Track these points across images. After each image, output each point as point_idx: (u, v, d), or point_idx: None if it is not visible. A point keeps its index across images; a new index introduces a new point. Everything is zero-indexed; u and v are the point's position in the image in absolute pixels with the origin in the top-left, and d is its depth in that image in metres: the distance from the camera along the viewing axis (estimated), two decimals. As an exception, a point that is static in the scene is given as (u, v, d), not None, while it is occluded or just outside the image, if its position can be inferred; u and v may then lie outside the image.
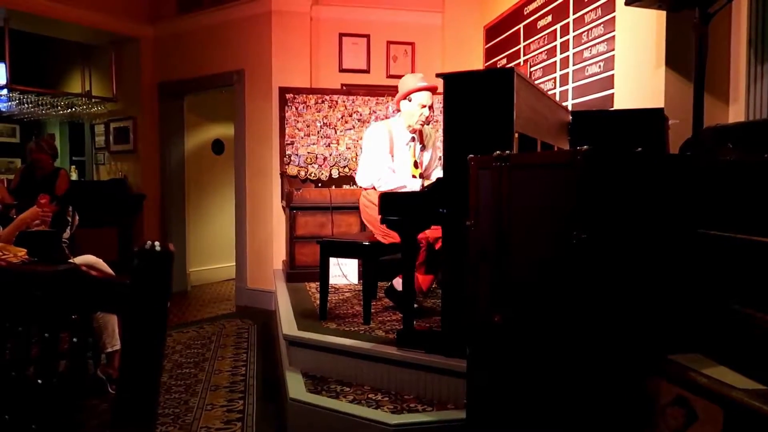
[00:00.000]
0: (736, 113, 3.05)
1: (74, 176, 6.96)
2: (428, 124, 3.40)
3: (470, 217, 2.02)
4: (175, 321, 4.96)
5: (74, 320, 0.85)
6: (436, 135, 3.64)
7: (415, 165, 3.44)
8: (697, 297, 1.67)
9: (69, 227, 3.70)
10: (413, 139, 3.45)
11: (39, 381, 0.85)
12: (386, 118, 3.57)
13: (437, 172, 3.62)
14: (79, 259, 3.05)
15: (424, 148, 3.51)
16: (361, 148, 3.57)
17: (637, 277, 1.61)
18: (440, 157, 3.03)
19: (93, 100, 6.50)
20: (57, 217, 3.42)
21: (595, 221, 1.54)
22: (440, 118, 5.20)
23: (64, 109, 6.52)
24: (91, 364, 3.02)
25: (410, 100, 3.38)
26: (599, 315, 1.55)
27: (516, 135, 2.27)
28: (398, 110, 3.50)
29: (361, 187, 3.48)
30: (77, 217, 3.79)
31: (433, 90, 3.40)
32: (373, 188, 3.40)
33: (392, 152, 3.40)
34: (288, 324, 3.19)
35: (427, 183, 3.35)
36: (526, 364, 1.76)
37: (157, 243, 0.74)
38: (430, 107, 3.39)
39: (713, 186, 1.69)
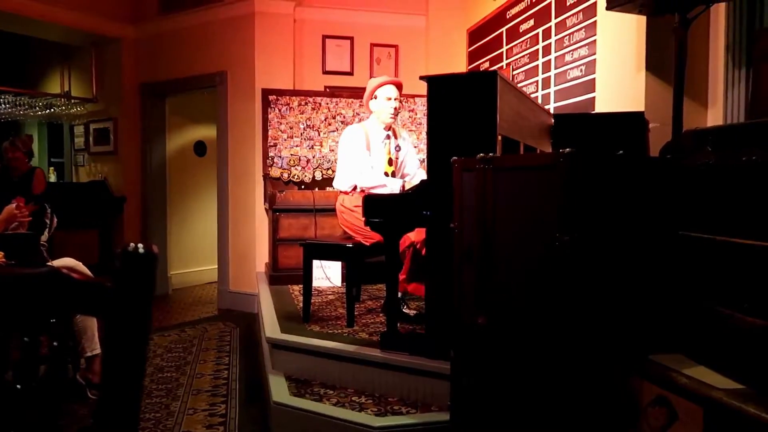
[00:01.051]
0: (714, 117, 3.10)
1: (53, 178, 6.84)
2: (396, 115, 3.46)
3: (454, 219, 2.03)
4: (157, 324, 4.90)
5: (54, 324, 0.83)
6: (410, 138, 3.70)
7: (390, 162, 3.46)
8: (678, 298, 1.70)
9: (47, 229, 3.64)
10: (388, 137, 3.50)
11: (18, 386, 0.84)
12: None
13: (420, 174, 3.64)
14: (58, 262, 3.00)
15: (400, 148, 3.54)
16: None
17: (620, 279, 1.63)
18: (423, 160, 3.04)
19: (72, 101, 6.41)
20: (35, 220, 3.37)
21: (578, 223, 1.56)
22: (424, 120, 5.24)
23: (43, 110, 6.43)
24: (70, 369, 2.98)
25: (376, 98, 3.49)
26: (582, 316, 1.56)
27: (499, 138, 2.28)
28: (370, 112, 3.56)
29: (339, 191, 3.50)
30: (56, 220, 3.74)
31: (396, 84, 3.50)
32: (353, 190, 3.42)
33: (369, 150, 3.45)
34: (271, 327, 3.17)
35: (408, 184, 3.38)
36: (511, 365, 1.77)
37: (140, 245, 0.73)
38: (397, 100, 3.47)
39: (693, 188, 1.72)
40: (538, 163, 1.73)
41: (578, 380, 1.58)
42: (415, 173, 3.64)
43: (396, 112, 3.46)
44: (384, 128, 3.51)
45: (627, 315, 1.64)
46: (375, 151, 3.46)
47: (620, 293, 1.64)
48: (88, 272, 2.82)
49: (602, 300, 1.60)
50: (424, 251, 3.10)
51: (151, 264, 0.77)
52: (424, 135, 5.25)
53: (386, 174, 3.46)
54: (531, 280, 1.68)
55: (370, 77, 5.47)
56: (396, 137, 3.57)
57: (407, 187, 3.31)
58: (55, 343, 0.84)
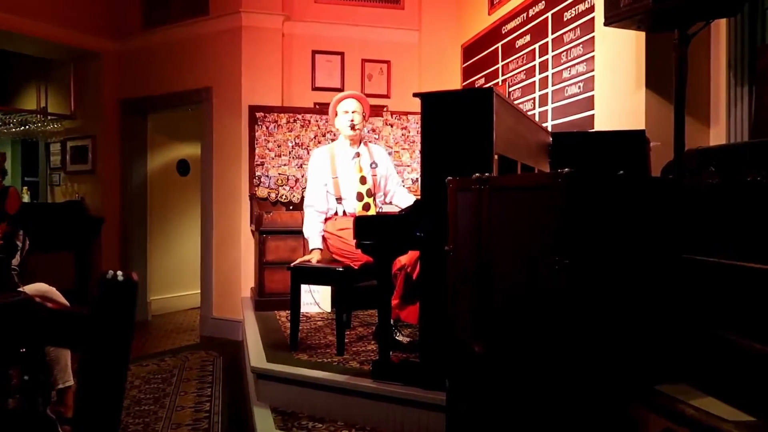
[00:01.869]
0: (717, 135, 3.14)
1: (26, 198, 6.80)
2: (355, 127, 3.48)
3: (449, 242, 2.02)
4: (134, 353, 4.84)
5: (26, 356, 0.82)
6: (386, 155, 3.72)
7: (362, 180, 3.47)
8: (683, 324, 1.70)
9: (19, 252, 3.60)
10: (358, 154, 3.51)
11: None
12: (361, 138, 3.63)
13: (400, 192, 3.67)
14: (31, 288, 2.96)
15: (376, 165, 3.55)
16: None
17: (622, 304, 1.63)
18: (417, 179, 3.05)
19: (49, 117, 6.40)
20: (6, 242, 3.33)
21: (577, 246, 1.56)
22: (417, 139, 5.27)
23: (17, 127, 6.41)
24: (40, 402, 2.92)
25: (337, 114, 3.56)
26: (583, 343, 1.56)
27: (496, 157, 2.29)
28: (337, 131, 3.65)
29: None
30: (28, 242, 3.69)
31: (355, 98, 3.57)
32: (335, 215, 3.48)
33: (335, 172, 3.46)
34: (256, 355, 3.14)
35: (390, 206, 3.44)
36: (509, 395, 1.76)
37: (119, 273, 0.72)
38: (357, 113, 3.50)
39: (697, 210, 1.73)
40: (536, 184, 1.73)
41: (580, 411, 1.57)
42: (395, 191, 3.67)
43: (353, 125, 3.48)
44: (351, 144, 3.53)
45: (630, 342, 1.63)
46: (344, 171, 3.48)
47: (623, 319, 1.63)
48: (63, 299, 2.79)
49: (604, 326, 1.59)
50: (416, 274, 3.10)
51: (131, 293, 0.76)
52: (417, 153, 5.28)
53: (359, 193, 3.45)
54: (530, 306, 1.67)
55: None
56: (371, 154, 3.58)
57: (372, 210, 3.43)
58: (26, 377, 0.82)
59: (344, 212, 3.44)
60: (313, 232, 3.44)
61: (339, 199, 3.45)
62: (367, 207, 3.44)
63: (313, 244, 3.42)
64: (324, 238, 3.46)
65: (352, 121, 3.48)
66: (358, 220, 2.70)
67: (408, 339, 3.23)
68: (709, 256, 1.65)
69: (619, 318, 1.62)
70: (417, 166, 5.24)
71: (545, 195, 1.61)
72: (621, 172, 1.67)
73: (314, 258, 3.34)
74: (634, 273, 1.66)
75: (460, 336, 1.93)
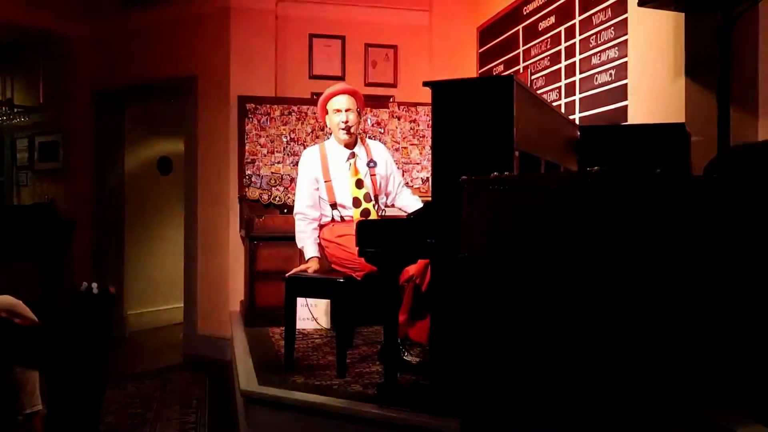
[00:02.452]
0: (767, 129, 3.12)
1: (-10, 200, 6.84)
2: (350, 130, 3.44)
3: (463, 249, 2.02)
4: (110, 375, 4.85)
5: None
6: (386, 152, 3.69)
7: (359, 184, 3.44)
8: (733, 342, 1.69)
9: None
10: (353, 154, 3.49)
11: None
12: (364, 131, 3.62)
13: (404, 193, 3.67)
14: (-6, 301, 2.97)
15: (375, 164, 3.52)
16: None
17: (665, 318, 1.62)
18: (427, 179, 3.05)
19: (15, 110, 6.43)
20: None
21: (610, 253, 1.55)
22: (427, 133, 5.27)
23: (-21, 121, 6.45)
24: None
25: (327, 112, 3.52)
26: (626, 363, 1.55)
27: (516, 153, 2.29)
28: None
29: None
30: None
31: (350, 93, 3.49)
32: (332, 221, 3.46)
33: (328, 176, 3.44)
34: (246, 377, 3.14)
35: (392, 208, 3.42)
36: (535, 421, 1.75)
37: (94, 285, 0.73)
38: (351, 111, 3.45)
39: (747, 214, 1.72)
40: (563, 184, 1.73)
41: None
42: (398, 192, 3.66)
43: (348, 127, 3.43)
44: (343, 145, 3.52)
45: (677, 362, 1.62)
46: (338, 174, 3.46)
47: (665, 336, 1.62)
48: (30, 313, 2.79)
49: (647, 344, 1.58)
50: (425, 286, 3.10)
51: (107, 308, 0.76)
52: (427, 150, 5.28)
53: (356, 199, 3.44)
54: (557, 319, 1.67)
55: (365, 83, 5.53)
56: (368, 153, 3.56)
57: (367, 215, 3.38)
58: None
59: (341, 218, 3.44)
60: (307, 240, 3.43)
61: (334, 205, 3.44)
62: (366, 213, 3.41)
63: (308, 253, 3.42)
64: (321, 247, 3.46)
65: (346, 122, 3.43)
66: (361, 225, 2.71)
67: (417, 359, 3.22)
68: (761, 267, 1.64)
69: (661, 334, 1.62)
70: (427, 163, 5.24)
71: (573, 196, 1.61)
72: (658, 170, 1.67)
73: (311, 267, 3.34)
74: (678, 284, 1.65)
75: (476, 355, 1.92)
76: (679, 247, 1.68)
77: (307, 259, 3.41)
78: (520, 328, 1.80)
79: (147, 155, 6.78)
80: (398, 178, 3.69)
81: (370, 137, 4.69)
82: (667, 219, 1.66)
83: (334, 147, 3.53)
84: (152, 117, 6.65)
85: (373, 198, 3.46)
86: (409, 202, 3.64)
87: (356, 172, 3.46)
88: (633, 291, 1.60)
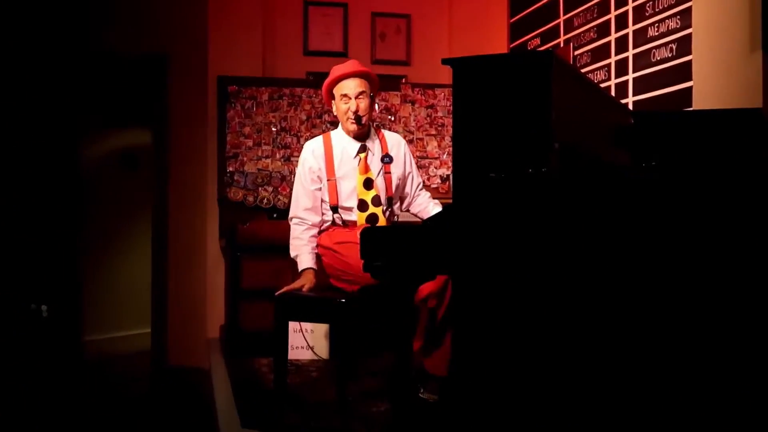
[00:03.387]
0: None
1: None
2: (361, 120, 3.38)
3: (493, 263, 2.01)
4: (61, 415, 4.86)
5: None
6: (407, 149, 3.65)
7: (367, 185, 3.40)
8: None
9: None
10: (364, 147, 3.44)
11: None
12: (368, 126, 3.54)
13: (422, 197, 3.67)
14: None
15: (390, 159, 3.48)
16: None
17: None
18: (448, 176, 3.04)
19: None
20: None
21: (681, 266, 1.54)
22: (447, 121, 5.27)
23: None
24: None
25: (333, 97, 3.48)
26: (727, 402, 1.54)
27: (556, 145, 2.28)
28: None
29: None
30: None
31: (359, 73, 3.42)
32: (333, 226, 3.44)
33: (332, 173, 3.41)
34: (227, 419, 3.15)
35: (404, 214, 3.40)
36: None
37: (44, 307, 0.72)
38: (361, 97, 3.38)
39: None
40: (614, 182, 1.72)
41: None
42: (416, 196, 3.63)
43: (358, 117, 3.36)
44: (354, 137, 3.48)
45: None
46: (344, 171, 3.43)
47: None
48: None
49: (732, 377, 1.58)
50: (444, 307, 3.08)
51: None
52: (448, 141, 5.28)
53: (363, 201, 3.41)
54: (617, 347, 1.66)
55: (372, 60, 5.52)
56: (383, 146, 3.53)
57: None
58: None
59: (343, 222, 3.42)
60: (302, 248, 3.40)
61: (336, 208, 3.42)
62: (373, 219, 3.39)
63: (303, 263, 3.39)
64: (318, 256, 3.44)
65: (356, 111, 3.37)
66: (366, 233, 2.69)
67: (435, 397, 3.22)
68: None
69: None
70: (447, 158, 5.24)
71: (625, 198, 1.60)
72: (730, 166, 1.66)
73: (306, 284, 3.32)
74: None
75: (512, 399, 1.92)
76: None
77: (300, 271, 3.38)
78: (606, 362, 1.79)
79: (107, 148, 6.81)
80: (417, 179, 3.65)
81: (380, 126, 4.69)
82: (748, 222, 1.65)
83: (341, 139, 3.49)
84: (113, 102, 6.67)
85: (384, 201, 3.44)
86: (427, 208, 3.61)
87: (366, 169, 3.42)
88: (716, 311, 1.59)
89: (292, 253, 3.44)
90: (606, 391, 1.74)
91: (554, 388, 1.83)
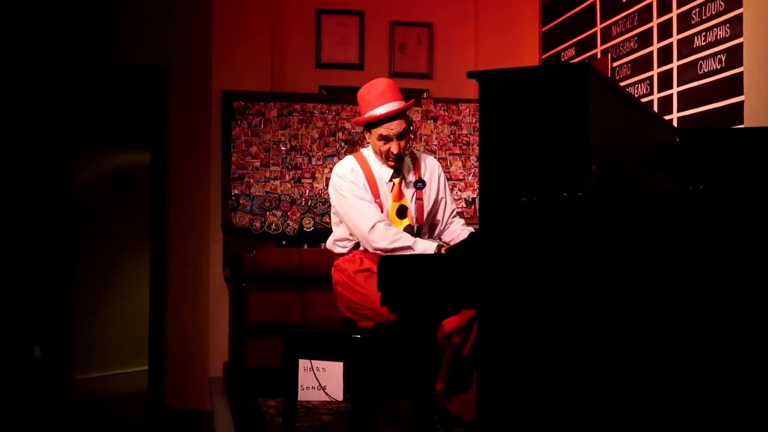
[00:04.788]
0: None
1: None
2: (403, 156, 3.33)
3: (522, 296, 2.01)
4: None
5: None
6: (442, 173, 3.61)
7: (401, 213, 3.37)
8: None
9: None
10: (398, 172, 3.41)
11: None
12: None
13: (456, 224, 3.63)
14: None
15: (423, 184, 3.47)
16: (330, 204, 3.54)
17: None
18: (474, 199, 3.03)
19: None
20: None
21: (734, 295, 1.54)
22: (473, 139, 5.27)
23: None
24: None
25: (371, 134, 3.39)
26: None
27: (593, 167, 2.28)
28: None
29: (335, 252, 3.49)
30: None
31: (400, 110, 3.34)
32: (357, 250, 3.40)
33: (378, 195, 3.37)
34: (232, 466, 3.14)
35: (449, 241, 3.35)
36: None
37: (37, 347, 0.74)
38: (401, 132, 3.31)
39: None
40: (658, 208, 1.72)
41: None
42: (448, 222, 3.62)
43: (394, 156, 3.32)
44: (387, 165, 3.43)
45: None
46: (381, 196, 3.42)
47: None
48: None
49: None
50: (468, 347, 3.07)
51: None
52: (473, 161, 5.28)
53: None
54: (669, 395, 1.65)
55: (390, 73, 5.51)
56: (417, 171, 3.52)
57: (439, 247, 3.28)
58: None
59: (365, 250, 3.40)
60: (406, 238, 3.29)
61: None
62: None
63: (430, 246, 3.28)
64: (333, 282, 3.41)
65: (395, 153, 3.32)
66: (384, 262, 2.69)
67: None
68: None
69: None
70: (473, 180, 5.24)
71: (673, 227, 1.60)
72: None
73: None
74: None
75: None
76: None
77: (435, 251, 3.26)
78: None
79: (100, 169, 6.85)
80: (450, 205, 3.61)
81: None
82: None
83: (374, 161, 3.47)
84: (107, 119, 6.70)
85: (415, 230, 3.41)
86: (460, 236, 3.55)
87: (399, 196, 3.38)
88: None
89: (406, 243, 3.27)
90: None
91: (592, 435, 1.82)
